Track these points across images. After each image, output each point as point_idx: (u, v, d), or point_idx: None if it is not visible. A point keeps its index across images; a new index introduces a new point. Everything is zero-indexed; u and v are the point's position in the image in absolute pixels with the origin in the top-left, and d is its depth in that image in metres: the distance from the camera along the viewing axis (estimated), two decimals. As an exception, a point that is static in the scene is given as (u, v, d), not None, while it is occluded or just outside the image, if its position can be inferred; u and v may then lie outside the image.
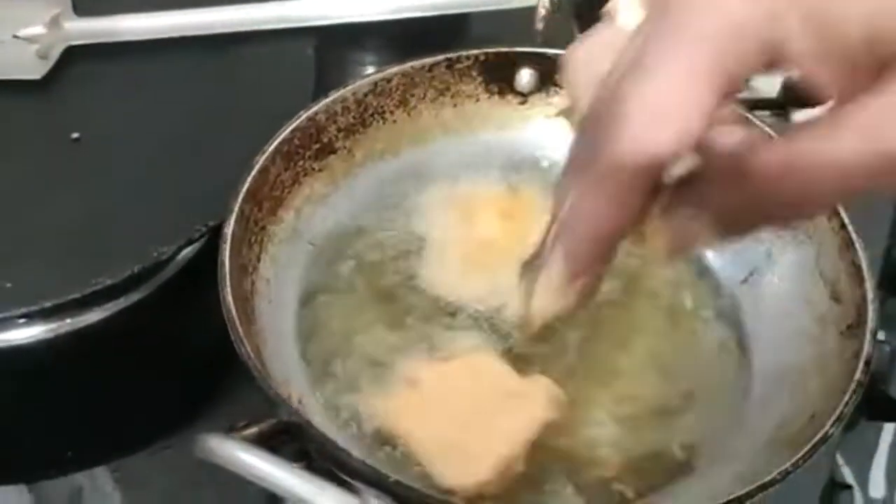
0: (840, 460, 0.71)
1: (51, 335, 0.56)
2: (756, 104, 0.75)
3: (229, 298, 0.43)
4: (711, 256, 0.54)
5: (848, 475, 0.73)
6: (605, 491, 0.45)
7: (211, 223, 0.55)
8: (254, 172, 0.49)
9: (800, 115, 0.76)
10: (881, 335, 0.53)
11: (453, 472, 0.44)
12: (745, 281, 0.53)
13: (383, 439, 0.45)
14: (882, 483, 0.74)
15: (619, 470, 0.46)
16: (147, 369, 0.58)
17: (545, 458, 0.45)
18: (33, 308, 0.52)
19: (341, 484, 0.35)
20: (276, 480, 0.34)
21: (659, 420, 0.48)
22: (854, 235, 0.48)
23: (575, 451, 0.46)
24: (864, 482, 0.74)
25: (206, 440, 0.34)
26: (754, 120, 0.54)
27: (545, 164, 0.58)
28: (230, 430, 0.39)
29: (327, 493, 0.33)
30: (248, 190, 0.49)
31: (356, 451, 0.42)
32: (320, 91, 0.57)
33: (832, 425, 0.41)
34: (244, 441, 0.36)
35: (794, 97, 0.77)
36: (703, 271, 0.54)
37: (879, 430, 0.77)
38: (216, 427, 0.55)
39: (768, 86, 0.78)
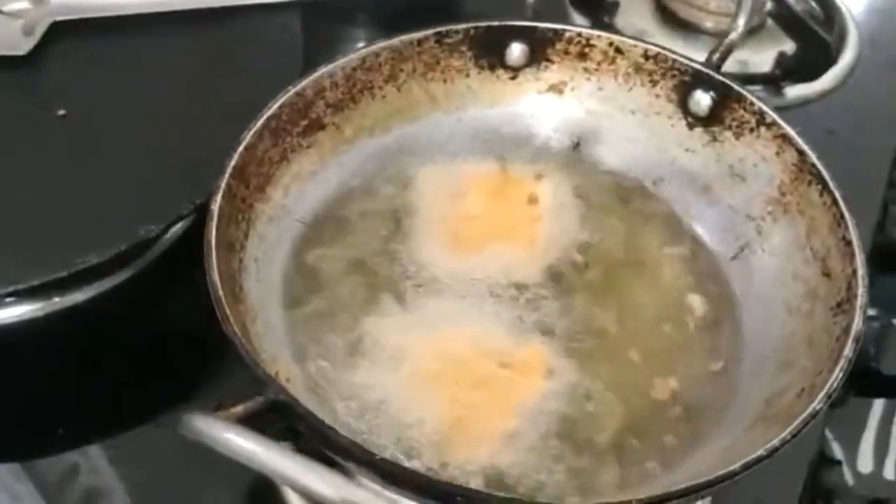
0: (829, 435, 0.72)
1: (39, 314, 0.56)
2: (748, 79, 0.75)
3: (215, 276, 0.43)
4: (702, 231, 0.54)
5: (837, 450, 0.73)
6: (604, 458, 0.45)
7: (199, 200, 0.55)
8: (241, 149, 0.49)
9: (792, 90, 0.76)
10: (871, 311, 0.53)
11: (456, 450, 0.44)
12: (735, 257, 0.53)
13: (376, 417, 0.45)
14: (870, 458, 0.75)
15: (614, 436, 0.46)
16: (136, 347, 0.58)
17: (544, 426, 0.45)
18: (21, 287, 0.52)
19: (330, 464, 0.35)
20: (263, 460, 0.34)
21: (649, 394, 0.47)
22: (845, 211, 0.48)
23: (573, 418, 0.46)
24: (852, 457, 0.74)
25: (192, 419, 0.34)
26: (747, 94, 0.54)
27: (537, 141, 0.58)
28: (217, 408, 0.39)
29: (315, 472, 0.33)
30: (235, 166, 0.48)
31: (345, 430, 0.42)
32: (309, 67, 0.57)
33: (821, 401, 0.41)
34: (230, 420, 0.35)
35: (786, 71, 0.77)
36: (696, 246, 0.53)
37: (868, 406, 0.77)
38: (205, 405, 0.56)
39: (760, 60, 0.78)
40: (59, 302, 0.56)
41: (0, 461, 0.56)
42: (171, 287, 0.59)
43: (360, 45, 0.57)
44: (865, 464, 0.75)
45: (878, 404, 0.77)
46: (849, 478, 0.73)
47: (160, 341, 0.59)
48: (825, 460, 0.63)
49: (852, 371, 0.43)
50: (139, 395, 0.58)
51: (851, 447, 0.75)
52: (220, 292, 0.42)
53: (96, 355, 0.57)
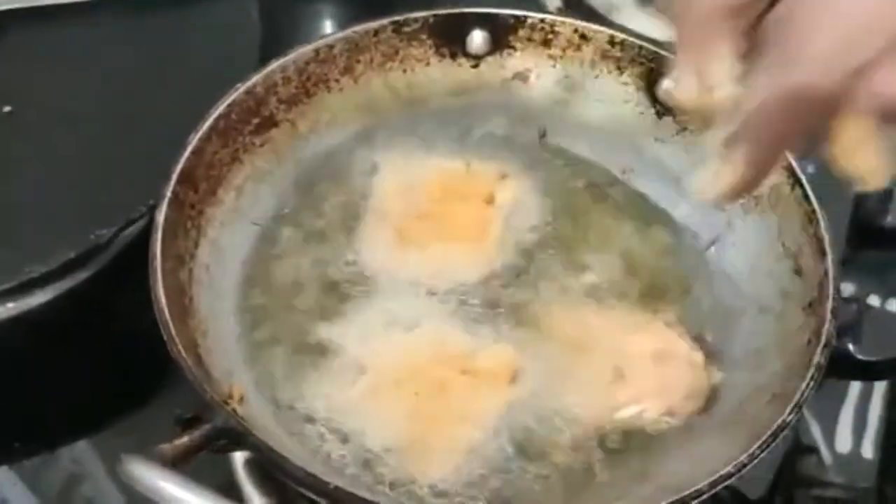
0: (807, 413, 0.71)
1: (-10, 321, 0.54)
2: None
3: (161, 295, 0.41)
4: (674, 222, 0.52)
5: (815, 431, 0.72)
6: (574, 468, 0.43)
7: (152, 202, 0.53)
8: (187, 153, 0.47)
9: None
10: (850, 290, 0.52)
11: (417, 467, 0.42)
12: (707, 249, 0.52)
13: (336, 436, 0.43)
14: (849, 438, 0.74)
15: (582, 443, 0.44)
16: (92, 353, 0.56)
17: (512, 436, 0.44)
18: (-34, 297, 0.50)
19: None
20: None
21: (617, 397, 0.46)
22: (817, 207, 0.46)
23: (539, 427, 0.45)
24: (830, 437, 0.73)
25: (127, 464, 0.32)
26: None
27: (501, 131, 0.56)
28: (182, 426, 0.37)
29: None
30: (181, 172, 0.46)
31: (303, 454, 0.40)
32: (268, 58, 0.54)
33: (791, 412, 0.40)
34: (166, 464, 0.34)
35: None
36: (666, 239, 0.52)
37: (846, 384, 0.76)
38: (169, 410, 0.54)
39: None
40: (11, 308, 0.54)
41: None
42: (126, 290, 0.57)
43: (324, 32, 0.55)
44: (844, 443, 0.74)
45: (857, 383, 0.76)
46: (826, 457, 0.72)
47: (116, 346, 0.57)
48: (802, 448, 0.62)
49: (830, 355, 0.42)
50: (95, 400, 0.56)
51: (829, 425, 0.74)
52: (167, 313, 0.40)
53: (51, 362, 0.55)
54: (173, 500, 0.32)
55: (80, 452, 0.55)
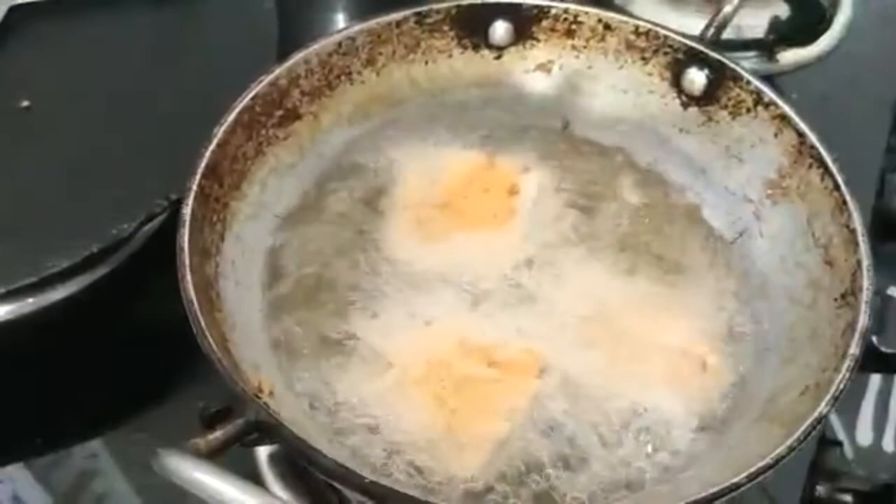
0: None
1: (10, 317, 0.54)
2: (741, 45, 0.72)
3: (190, 288, 0.41)
4: (707, 213, 0.52)
5: (837, 425, 0.72)
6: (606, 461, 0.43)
7: (173, 196, 0.53)
8: (212, 146, 0.46)
9: (786, 55, 0.74)
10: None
11: (444, 462, 0.42)
12: (733, 241, 0.51)
13: (363, 430, 0.43)
14: (869, 430, 0.74)
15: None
16: (114, 347, 0.56)
17: (542, 429, 0.43)
18: (-8, 292, 0.50)
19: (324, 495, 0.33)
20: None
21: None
22: (848, 197, 0.46)
23: (569, 418, 0.44)
24: (851, 430, 0.73)
25: (164, 457, 0.32)
26: (743, 72, 0.51)
27: (524, 123, 0.55)
28: (207, 422, 0.36)
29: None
30: (206, 166, 0.46)
31: (332, 446, 0.40)
32: (284, 49, 0.54)
33: (828, 404, 0.39)
34: (202, 457, 0.33)
35: (779, 37, 0.75)
36: (692, 230, 0.51)
37: (867, 378, 0.76)
38: (191, 405, 0.54)
39: (753, 25, 0.75)
40: (31, 304, 0.54)
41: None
42: (148, 284, 0.57)
43: (340, 25, 0.54)
44: (865, 436, 0.73)
45: (877, 375, 0.75)
46: (848, 451, 0.71)
47: (139, 339, 0.57)
48: (827, 442, 0.62)
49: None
50: (118, 394, 0.56)
51: (850, 419, 0.73)
52: (196, 305, 0.40)
53: (73, 356, 0.55)
54: (214, 492, 0.32)
55: (93, 449, 0.55)
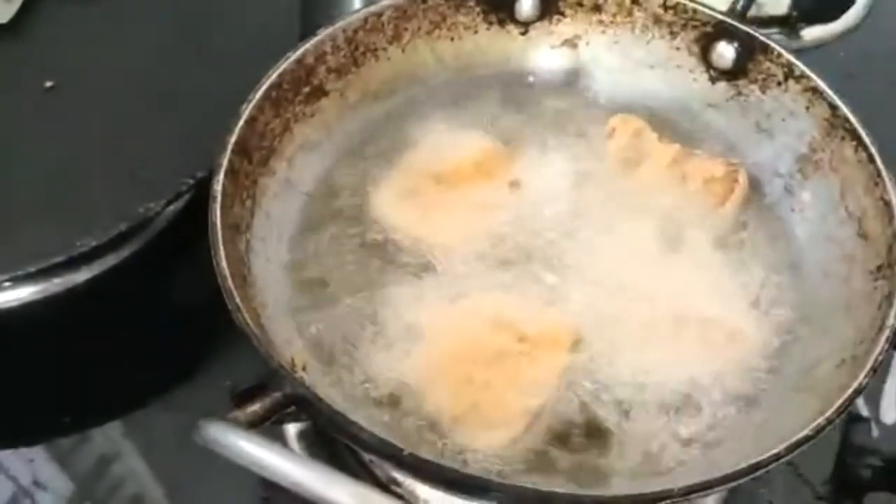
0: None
1: (39, 297, 0.54)
2: (764, 21, 0.71)
3: (223, 264, 0.40)
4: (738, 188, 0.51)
5: (860, 401, 0.71)
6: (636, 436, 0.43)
7: (199, 174, 0.52)
8: (241, 123, 0.46)
9: (810, 32, 0.73)
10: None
11: (477, 436, 0.42)
12: (765, 216, 0.51)
13: (396, 402, 0.43)
14: (893, 409, 0.73)
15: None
16: (139, 327, 0.56)
17: (572, 404, 0.43)
18: (19, 273, 0.50)
19: (353, 471, 0.33)
20: (276, 470, 0.32)
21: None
22: (883, 169, 0.45)
23: (601, 393, 0.44)
24: (875, 408, 0.73)
25: (206, 428, 0.32)
26: (774, 45, 0.51)
27: (547, 99, 0.55)
28: (237, 404, 0.36)
29: (337, 485, 0.31)
30: (236, 142, 0.46)
31: (366, 420, 0.40)
32: (307, 26, 0.54)
33: (867, 375, 0.39)
34: (243, 426, 0.33)
35: (802, 14, 0.74)
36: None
37: (891, 356, 0.75)
38: (215, 385, 0.54)
39: (776, 2, 0.74)
40: (59, 283, 0.54)
41: (6, 447, 0.55)
42: (175, 263, 0.56)
43: (361, 3, 0.54)
44: (889, 414, 0.73)
45: (900, 353, 0.75)
46: (874, 431, 0.71)
47: (165, 318, 0.57)
48: (854, 418, 0.62)
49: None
50: (144, 374, 0.56)
51: (874, 398, 0.73)
52: (230, 282, 0.40)
53: (99, 336, 0.55)
54: (257, 459, 0.32)
55: (112, 432, 0.55)
